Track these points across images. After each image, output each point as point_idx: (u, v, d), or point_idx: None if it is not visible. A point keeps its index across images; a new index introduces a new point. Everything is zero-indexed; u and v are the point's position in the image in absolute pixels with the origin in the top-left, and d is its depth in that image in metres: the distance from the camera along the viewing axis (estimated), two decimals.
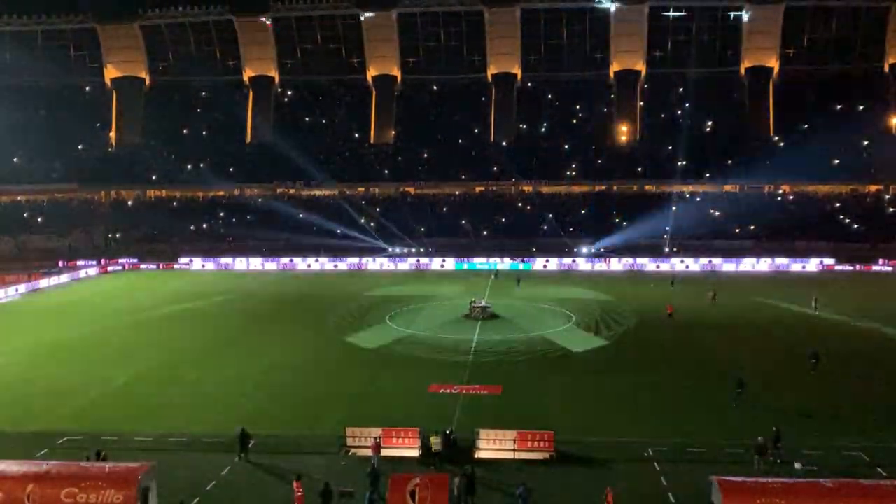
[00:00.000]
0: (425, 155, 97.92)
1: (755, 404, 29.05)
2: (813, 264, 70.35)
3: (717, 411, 28.74)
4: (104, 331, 44.80)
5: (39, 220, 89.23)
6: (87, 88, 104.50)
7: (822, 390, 31.38)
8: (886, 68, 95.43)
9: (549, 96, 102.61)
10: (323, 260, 75.14)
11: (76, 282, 65.83)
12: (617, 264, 71.63)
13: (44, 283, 63.00)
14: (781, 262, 70.98)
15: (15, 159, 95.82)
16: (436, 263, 73.70)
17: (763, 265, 70.34)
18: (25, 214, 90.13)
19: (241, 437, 24.63)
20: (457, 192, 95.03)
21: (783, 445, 24.02)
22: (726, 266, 71.16)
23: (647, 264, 72.42)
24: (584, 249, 78.72)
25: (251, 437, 24.87)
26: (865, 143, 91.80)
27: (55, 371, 35.62)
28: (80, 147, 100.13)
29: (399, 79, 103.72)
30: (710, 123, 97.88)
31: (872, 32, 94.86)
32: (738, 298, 54.25)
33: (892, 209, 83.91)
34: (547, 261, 73.13)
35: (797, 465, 22.98)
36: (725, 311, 49.16)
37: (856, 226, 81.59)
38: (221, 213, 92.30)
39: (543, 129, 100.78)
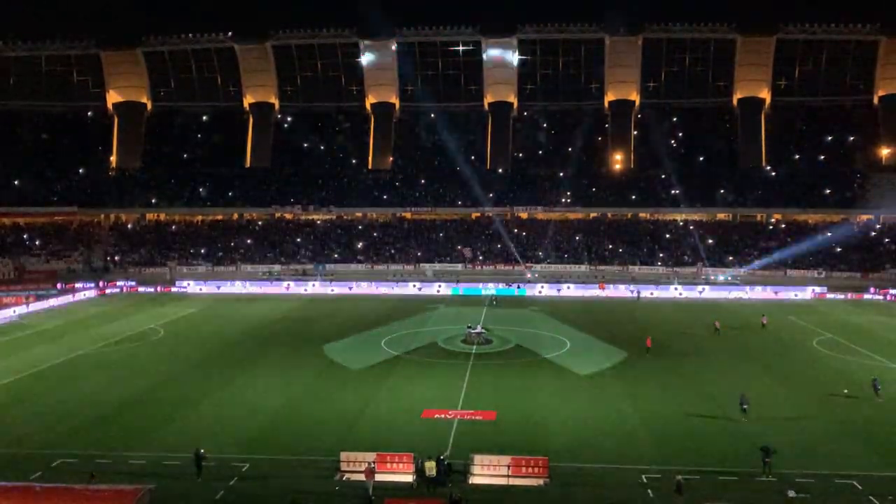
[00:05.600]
0: (422, 181, 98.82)
1: (748, 432, 29.39)
2: (806, 293, 70.53)
3: (710, 439, 29.05)
4: (100, 353, 44.95)
5: (38, 242, 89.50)
6: (90, 113, 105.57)
7: (817, 417, 31.70)
8: (876, 100, 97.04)
9: (545, 125, 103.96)
10: (317, 284, 75.25)
11: (74, 304, 65.95)
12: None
13: (41, 305, 63.11)
14: (773, 289, 71.16)
15: (16, 182, 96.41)
16: (432, 289, 73.89)
17: (755, 293, 70.50)
18: (25, 237, 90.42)
19: (196, 458, 24.80)
20: (455, 218, 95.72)
21: (771, 461, 24.89)
22: (718, 294, 71.21)
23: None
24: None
25: (205, 458, 25.02)
26: (856, 173, 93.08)
27: (50, 392, 35.82)
28: (80, 171, 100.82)
29: (397, 106, 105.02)
30: (702, 152, 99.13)
31: (862, 65, 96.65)
32: (731, 325, 54.53)
33: (887, 239, 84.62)
34: (542, 287, 73.44)
35: (790, 493, 23.22)
36: (719, 341, 49.41)
37: (846, 254, 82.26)
38: (220, 237, 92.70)
39: (539, 157, 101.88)
